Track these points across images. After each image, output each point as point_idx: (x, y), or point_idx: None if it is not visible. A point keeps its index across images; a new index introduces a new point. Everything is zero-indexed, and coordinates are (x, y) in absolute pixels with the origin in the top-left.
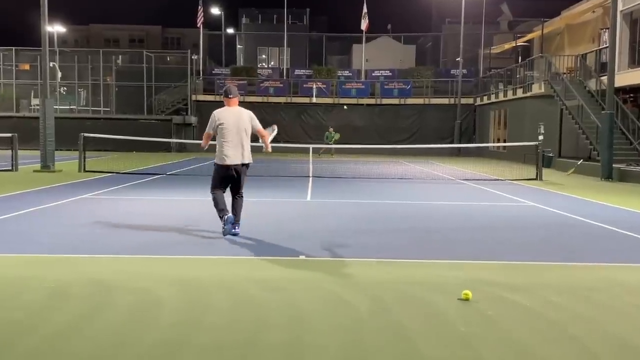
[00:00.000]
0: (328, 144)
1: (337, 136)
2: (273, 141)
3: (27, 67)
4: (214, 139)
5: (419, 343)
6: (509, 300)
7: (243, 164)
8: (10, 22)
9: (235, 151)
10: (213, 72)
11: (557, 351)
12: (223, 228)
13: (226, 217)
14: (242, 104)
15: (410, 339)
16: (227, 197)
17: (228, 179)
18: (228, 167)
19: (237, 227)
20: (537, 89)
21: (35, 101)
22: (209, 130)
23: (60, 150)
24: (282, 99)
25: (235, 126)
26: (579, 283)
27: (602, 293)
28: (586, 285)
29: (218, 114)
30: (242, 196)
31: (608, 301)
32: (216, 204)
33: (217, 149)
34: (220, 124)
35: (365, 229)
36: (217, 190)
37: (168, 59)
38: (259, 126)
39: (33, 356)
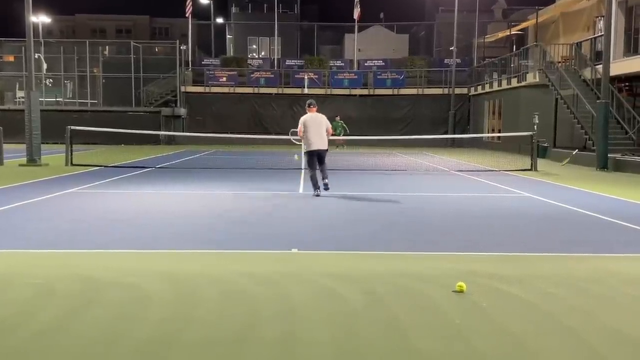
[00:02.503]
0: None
1: (338, 125)
2: (266, 133)
3: (11, 58)
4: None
5: (413, 336)
6: (504, 292)
7: (324, 149)
8: None
9: (319, 141)
10: (202, 62)
11: (552, 343)
12: (316, 194)
13: (316, 192)
14: (232, 95)
15: (404, 331)
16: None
17: (315, 158)
18: (313, 151)
19: (327, 186)
20: (532, 78)
21: (20, 93)
22: (300, 127)
23: (47, 143)
24: (273, 90)
25: (315, 125)
26: (574, 274)
27: (598, 284)
28: (582, 276)
29: (304, 118)
30: (325, 165)
31: (604, 292)
32: (312, 180)
33: (305, 142)
34: (306, 125)
35: (358, 221)
36: (313, 170)
37: (156, 49)
38: (329, 126)
39: (19, 354)
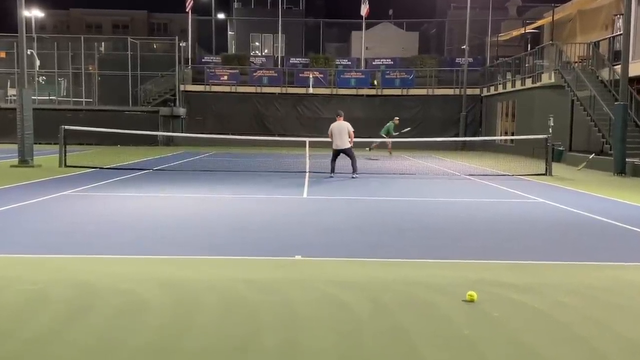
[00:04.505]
0: (392, 136)
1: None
2: (268, 134)
3: (2, 54)
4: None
5: (421, 347)
6: (516, 301)
7: (345, 147)
8: None
9: (339, 142)
10: (203, 60)
11: (565, 353)
12: (331, 176)
13: (332, 175)
14: (233, 94)
15: (412, 342)
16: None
17: (338, 154)
18: (336, 149)
19: (355, 175)
20: (547, 78)
21: (12, 91)
22: (329, 132)
23: (40, 143)
24: (276, 89)
25: (339, 131)
26: (589, 283)
27: (613, 293)
28: (596, 285)
29: (333, 125)
30: (353, 158)
31: (619, 302)
32: (331, 166)
33: (333, 142)
34: (333, 130)
35: (364, 227)
36: (333, 162)
37: (154, 46)
38: (351, 131)
39: None
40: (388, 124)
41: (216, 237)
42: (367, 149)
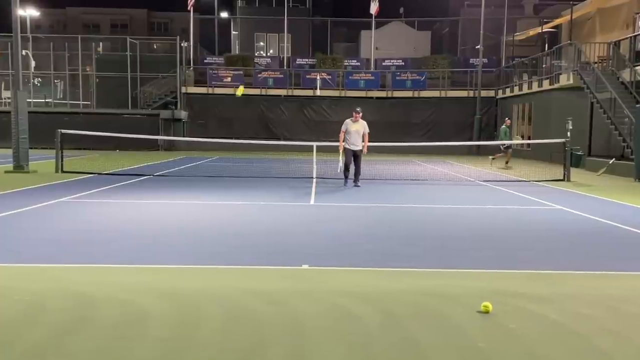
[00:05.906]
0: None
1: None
2: (274, 138)
3: None
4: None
5: (433, 359)
6: (533, 312)
7: (359, 149)
8: None
9: (356, 142)
10: (205, 61)
11: None
12: (345, 184)
13: (347, 180)
14: (237, 97)
15: (425, 355)
16: None
17: (352, 156)
18: (352, 150)
19: (358, 184)
20: (565, 80)
21: (6, 94)
22: (343, 129)
23: (35, 148)
24: (282, 91)
25: (355, 130)
26: (609, 293)
27: (634, 304)
28: (617, 295)
29: (348, 122)
30: (360, 164)
31: None
32: (346, 171)
33: (347, 141)
34: (348, 128)
35: (374, 236)
36: (347, 166)
37: (155, 46)
38: (367, 131)
39: None
40: (502, 130)
41: (219, 246)
42: (491, 158)
